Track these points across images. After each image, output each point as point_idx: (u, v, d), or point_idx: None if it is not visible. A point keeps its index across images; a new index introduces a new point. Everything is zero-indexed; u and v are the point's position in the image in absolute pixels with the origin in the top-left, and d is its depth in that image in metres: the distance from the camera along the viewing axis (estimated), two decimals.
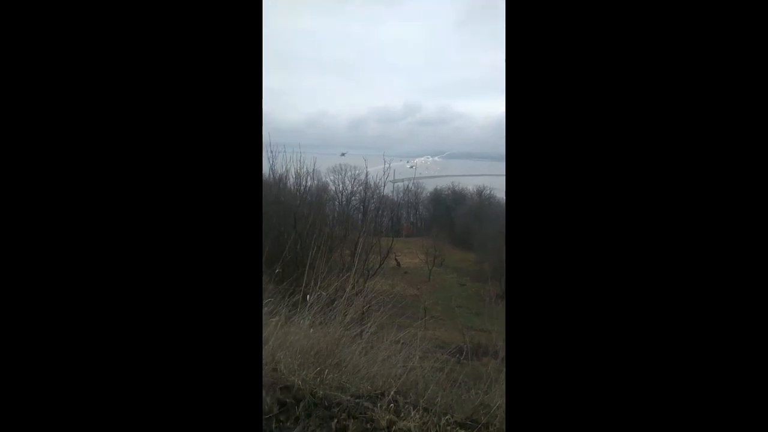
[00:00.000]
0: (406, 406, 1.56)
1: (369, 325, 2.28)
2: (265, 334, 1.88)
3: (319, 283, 2.47)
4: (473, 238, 27.45)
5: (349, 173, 26.82)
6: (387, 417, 1.47)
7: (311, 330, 2.09)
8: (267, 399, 1.47)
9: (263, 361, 1.71)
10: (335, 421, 1.45)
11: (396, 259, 21.04)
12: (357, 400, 1.56)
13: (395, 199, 32.77)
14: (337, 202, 22.81)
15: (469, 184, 39.49)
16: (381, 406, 1.52)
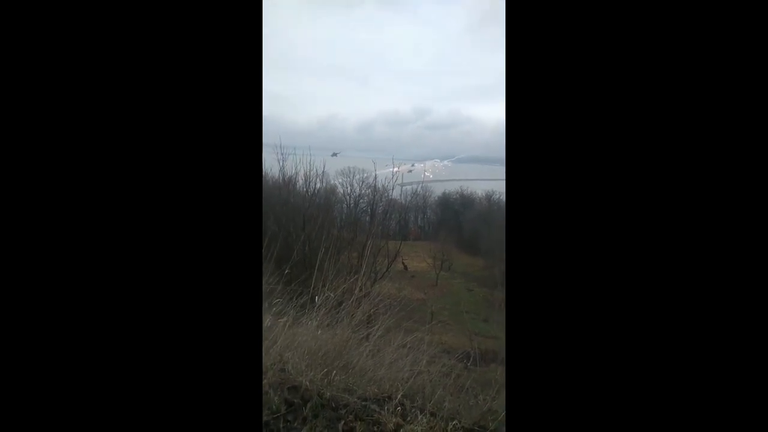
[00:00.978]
0: (413, 410, 1.56)
1: (376, 328, 2.28)
2: (273, 334, 1.89)
3: (327, 284, 2.48)
4: (481, 243, 27.28)
5: (357, 176, 26.90)
6: (394, 420, 1.47)
7: (319, 331, 2.10)
8: (275, 399, 1.48)
9: (271, 362, 1.71)
10: (342, 422, 1.45)
11: (403, 263, 21.01)
12: (364, 403, 1.56)
13: (403, 202, 32.75)
14: (345, 205, 22.87)
15: (478, 189, 39.34)
16: (388, 409, 1.52)
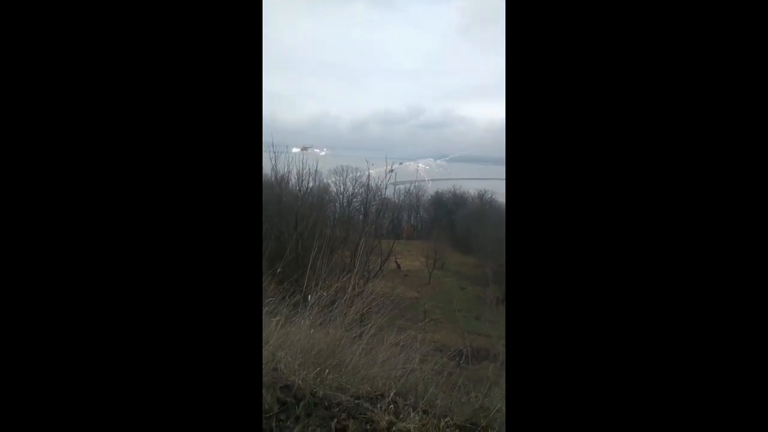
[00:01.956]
0: (406, 408, 1.56)
1: (369, 326, 2.28)
2: (265, 333, 1.89)
3: (319, 283, 2.48)
4: (474, 242, 27.40)
5: (350, 175, 26.86)
6: (387, 418, 1.48)
7: (312, 330, 2.10)
8: (267, 398, 1.48)
9: (264, 361, 1.71)
10: (335, 420, 1.45)
11: (396, 262, 21.01)
12: (357, 401, 1.57)
13: (396, 201, 32.76)
14: (338, 204, 22.83)
15: (471, 188, 39.51)
16: (381, 407, 1.53)
